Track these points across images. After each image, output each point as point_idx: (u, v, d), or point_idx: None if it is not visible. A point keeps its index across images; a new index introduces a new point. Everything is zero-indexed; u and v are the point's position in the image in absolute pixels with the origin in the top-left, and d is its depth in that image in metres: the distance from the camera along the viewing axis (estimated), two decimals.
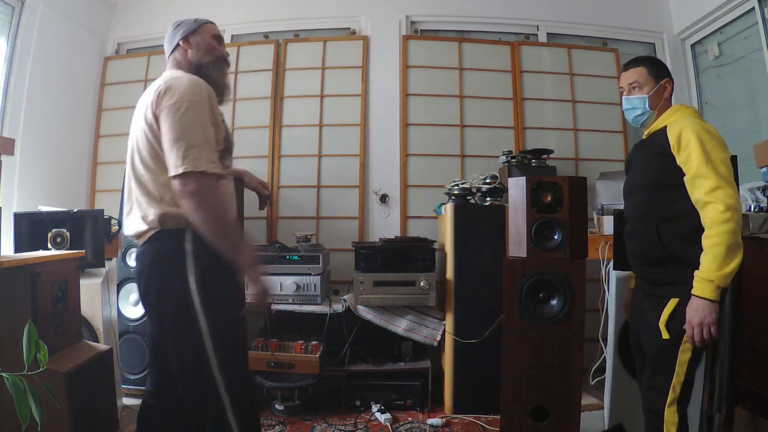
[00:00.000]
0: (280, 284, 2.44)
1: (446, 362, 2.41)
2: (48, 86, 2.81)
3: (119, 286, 2.49)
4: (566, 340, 1.73)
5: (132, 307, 2.48)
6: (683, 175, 1.37)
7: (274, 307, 2.44)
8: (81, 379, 1.62)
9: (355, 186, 3.02)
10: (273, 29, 3.26)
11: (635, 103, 1.52)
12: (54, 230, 2.18)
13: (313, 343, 2.38)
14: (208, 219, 1.24)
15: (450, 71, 3.11)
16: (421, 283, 2.36)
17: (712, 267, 1.28)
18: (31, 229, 2.18)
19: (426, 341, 2.41)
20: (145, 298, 1.37)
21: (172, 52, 1.45)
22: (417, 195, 3.01)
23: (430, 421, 2.24)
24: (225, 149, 1.40)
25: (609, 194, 2.33)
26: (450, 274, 2.37)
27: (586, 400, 2.29)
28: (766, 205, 1.96)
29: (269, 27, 3.26)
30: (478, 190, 2.51)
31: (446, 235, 2.41)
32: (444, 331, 2.39)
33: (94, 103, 3.21)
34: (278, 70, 3.14)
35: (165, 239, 1.30)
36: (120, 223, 2.49)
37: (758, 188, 2.01)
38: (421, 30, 3.25)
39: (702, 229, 1.32)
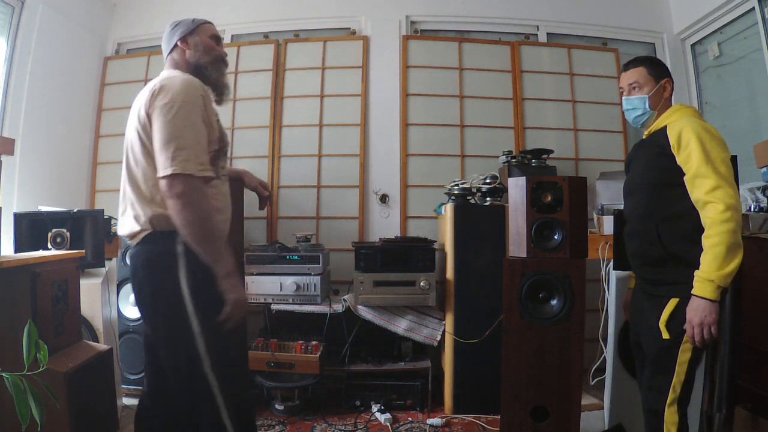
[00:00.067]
0: (280, 284, 2.44)
1: (446, 362, 2.41)
2: (48, 86, 2.80)
3: (119, 286, 2.49)
4: (566, 340, 1.73)
5: (132, 307, 2.47)
6: (683, 174, 1.37)
7: (274, 307, 2.44)
8: (81, 379, 1.63)
9: (355, 186, 3.02)
10: (273, 29, 3.26)
11: (635, 104, 1.52)
12: (54, 230, 2.18)
13: (313, 343, 2.38)
14: (191, 222, 1.23)
15: (450, 71, 3.11)
16: (421, 283, 2.36)
17: (713, 267, 1.28)
18: (31, 229, 2.18)
19: (426, 341, 2.41)
20: (138, 298, 1.37)
21: (170, 52, 1.44)
22: (417, 195, 3.01)
23: (430, 421, 2.24)
24: (219, 150, 1.39)
25: (609, 194, 2.33)
26: (450, 274, 2.37)
27: (586, 400, 2.29)
28: (766, 205, 1.96)
29: (269, 27, 3.26)
30: (478, 190, 2.51)
31: (446, 235, 2.41)
32: (444, 331, 2.39)
33: (94, 103, 3.21)
34: (278, 70, 3.14)
35: (157, 241, 1.30)
36: None
37: (758, 188, 2.01)
38: (421, 30, 3.25)
39: (702, 229, 1.32)
